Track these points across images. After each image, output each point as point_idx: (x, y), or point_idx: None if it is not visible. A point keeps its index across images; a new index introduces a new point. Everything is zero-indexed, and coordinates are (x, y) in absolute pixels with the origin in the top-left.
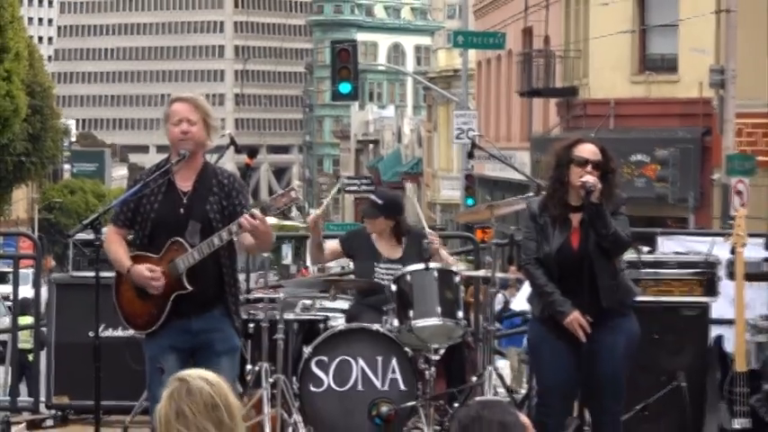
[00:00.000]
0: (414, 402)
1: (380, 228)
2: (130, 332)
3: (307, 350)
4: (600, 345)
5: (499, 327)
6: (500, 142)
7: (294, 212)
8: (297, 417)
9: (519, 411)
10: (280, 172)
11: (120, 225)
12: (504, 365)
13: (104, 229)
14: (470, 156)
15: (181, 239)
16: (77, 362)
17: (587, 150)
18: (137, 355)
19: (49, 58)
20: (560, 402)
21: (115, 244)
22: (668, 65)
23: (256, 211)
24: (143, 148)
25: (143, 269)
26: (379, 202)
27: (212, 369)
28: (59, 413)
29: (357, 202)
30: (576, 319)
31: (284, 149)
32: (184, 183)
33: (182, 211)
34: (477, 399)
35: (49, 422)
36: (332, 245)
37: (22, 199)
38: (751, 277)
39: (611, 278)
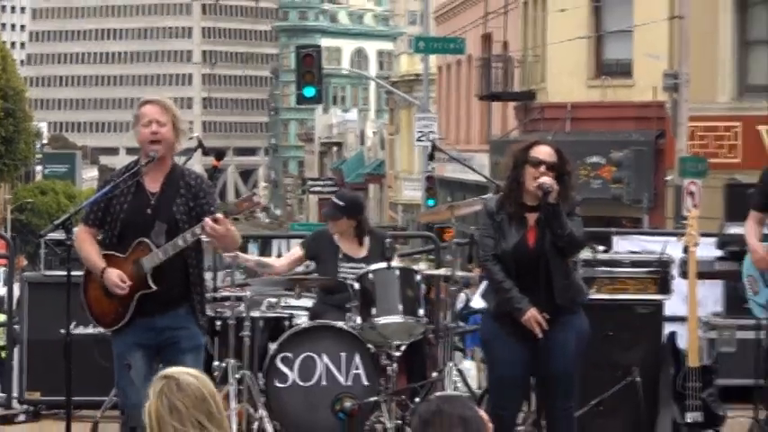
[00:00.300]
0: (376, 397)
1: (343, 228)
2: (100, 329)
3: (272, 347)
4: (552, 342)
5: (462, 324)
6: (460, 145)
7: (260, 213)
8: (263, 411)
9: (478, 407)
10: (246, 174)
11: (91, 224)
12: (470, 366)
13: (75, 229)
14: (431, 158)
15: (146, 240)
16: (49, 358)
17: (543, 152)
18: (105, 353)
19: (22, 62)
20: (514, 396)
21: (87, 243)
22: (623, 69)
23: (220, 216)
24: (113, 150)
25: (115, 275)
26: (341, 203)
27: (178, 366)
28: (32, 408)
29: (321, 202)
30: (533, 316)
31: (251, 152)
32: (153, 184)
33: (149, 211)
34: (438, 394)
35: (22, 417)
36: (293, 253)
37: None
38: (703, 276)
39: (564, 277)
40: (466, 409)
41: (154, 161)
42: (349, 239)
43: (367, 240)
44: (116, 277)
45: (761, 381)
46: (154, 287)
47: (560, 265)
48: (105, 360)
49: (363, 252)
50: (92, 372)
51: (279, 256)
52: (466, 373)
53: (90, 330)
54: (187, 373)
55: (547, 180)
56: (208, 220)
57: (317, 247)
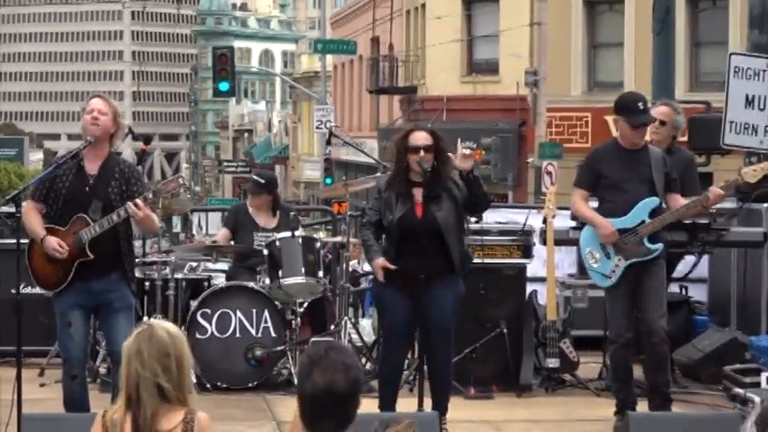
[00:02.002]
0: (283, 347)
1: (262, 202)
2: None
3: (193, 304)
4: (433, 299)
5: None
6: (353, 131)
7: (181, 191)
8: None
9: (369, 353)
10: (170, 156)
11: (37, 200)
12: (366, 324)
13: (23, 203)
14: (328, 143)
15: (84, 215)
16: (2, 314)
17: (419, 138)
18: (47, 312)
19: None
20: (401, 343)
21: (31, 215)
22: (491, 68)
23: (139, 201)
24: (56, 136)
25: (54, 242)
26: (262, 181)
27: (112, 323)
28: None
29: (235, 180)
30: (379, 263)
31: (174, 137)
32: (92, 167)
33: (87, 190)
34: (326, 340)
35: None
36: (223, 233)
37: None
38: (559, 243)
39: (461, 246)
40: (348, 358)
41: (91, 144)
42: (264, 212)
43: (277, 213)
44: (55, 243)
45: (608, 332)
46: (91, 256)
47: (457, 236)
48: (47, 318)
49: (274, 223)
50: (39, 326)
51: (199, 226)
52: (362, 329)
53: (37, 290)
54: (163, 328)
55: (424, 163)
56: (130, 203)
57: (236, 221)
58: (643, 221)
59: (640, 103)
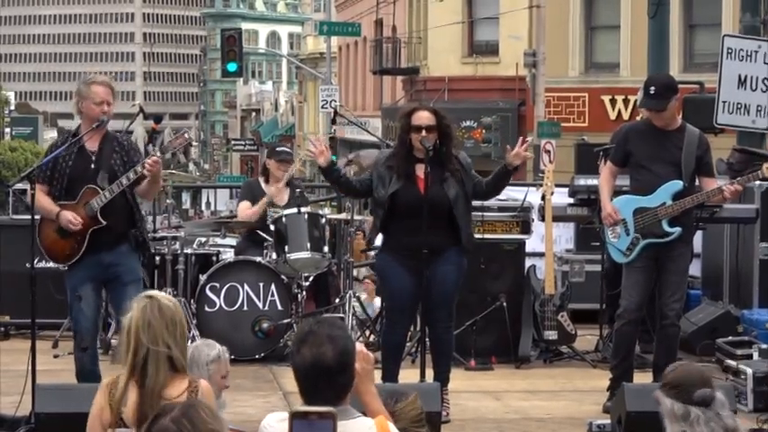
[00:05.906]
0: (289, 319)
1: (287, 171)
2: (59, 265)
3: (202, 278)
4: (435, 272)
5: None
6: (357, 111)
7: (191, 167)
8: (195, 332)
9: (373, 328)
10: None
11: (41, 182)
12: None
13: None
14: (333, 122)
15: (93, 185)
16: (17, 287)
17: (422, 117)
18: (58, 286)
19: None
20: (404, 317)
21: (40, 196)
22: (491, 49)
23: (156, 158)
24: (69, 115)
25: (69, 215)
26: (289, 149)
27: (121, 296)
28: (2, 329)
29: (243, 158)
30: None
31: (184, 116)
32: (92, 145)
33: (92, 166)
34: (315, 317)
35: None
36: (243, 207)
37: None
38: (557, 219)
39: (468, 225)
40: (334, 329)
41: (103, 124)
42: (279, 186)
43: (288, 189)
44: (70, 216)
45: (604, 305)
46: (104, 222)
47: (465, 217)
48: (58, 293)
49: (285, 199)
50: (52, 298)
51: (207, 203)
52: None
53: (51, 264)
54: (167, 298)
55: (426, 142)
56: (147, 159)
57: (252, 195)
58: (664, 203)
59: (652, 87)
